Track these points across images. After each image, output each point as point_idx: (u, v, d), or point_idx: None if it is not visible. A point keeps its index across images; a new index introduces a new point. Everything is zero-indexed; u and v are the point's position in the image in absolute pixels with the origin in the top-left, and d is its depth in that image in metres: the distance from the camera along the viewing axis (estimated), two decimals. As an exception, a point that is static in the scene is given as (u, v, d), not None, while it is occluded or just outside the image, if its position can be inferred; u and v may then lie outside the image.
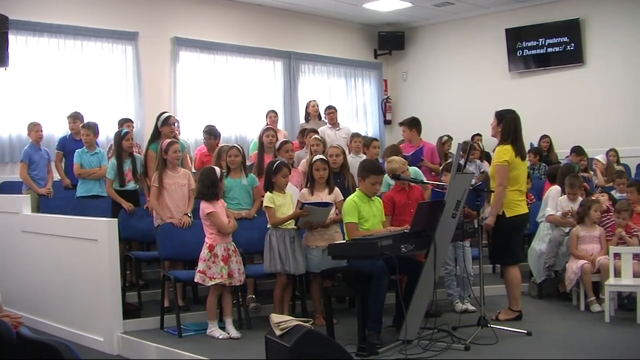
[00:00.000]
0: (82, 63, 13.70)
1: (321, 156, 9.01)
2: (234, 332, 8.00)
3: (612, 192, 11.11)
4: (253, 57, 16.41)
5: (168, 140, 9.20)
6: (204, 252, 7.98)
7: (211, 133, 11.97)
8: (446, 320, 8.19)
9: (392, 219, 8.54)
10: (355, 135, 12.16)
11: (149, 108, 13.90)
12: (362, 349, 7.25)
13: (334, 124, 13.63)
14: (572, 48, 16.48)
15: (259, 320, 8.49)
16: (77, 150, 10.71)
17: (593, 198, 9.81)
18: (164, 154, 9.05)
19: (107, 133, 13.25)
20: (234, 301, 8.37)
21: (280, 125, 14.55)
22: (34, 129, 11.40)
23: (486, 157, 13.73)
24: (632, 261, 8.81)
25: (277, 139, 10.62)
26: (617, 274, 8.82)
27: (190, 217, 9.00)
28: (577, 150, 14.05)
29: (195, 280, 8.05)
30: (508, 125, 8.55)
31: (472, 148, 9.17)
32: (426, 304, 7.60)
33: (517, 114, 8.64)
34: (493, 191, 8.38)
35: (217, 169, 8.35)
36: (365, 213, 8.09)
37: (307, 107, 14.81)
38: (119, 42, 14.20)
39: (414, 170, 9.91)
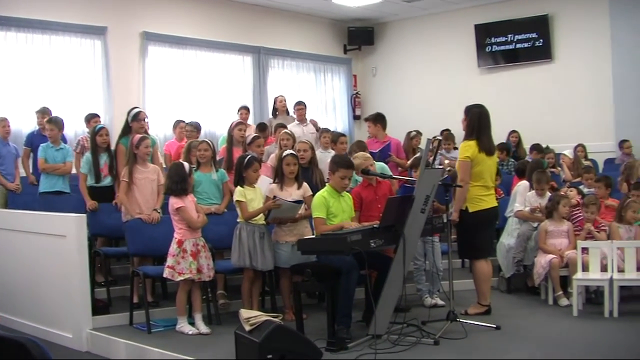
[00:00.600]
0: (50, 58, 13.60)
1: (292, 151, 9.04)
2: (203, 328, 7.97)
3: (580, 187, 11.19)
4: (222, 52, 16.38)
5: (139, 136, 9.19)
6: (173, 248, 7.96)
7: (195, 127, 12.00)
8: (415, 315, 8.22)
9: (360, 214, 8.54)
10: (325, 131, 12.18)
11: (117, 103, 13.85)
12: (332, 344, 7.24)
13: (302, 120, 13.64)
14: (540, 44, 16.59)
15: (228, 316, 8.48)
16: (41, 145, 10.62)
17: (562, 193, 9.87)
18: (135, 148, 9.03)
19: (75, 129, 13.22)
20: (204, 297, 8.35)
21: (250, 121, 14.52)
22: (1, 124, 11.35)
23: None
24: (599, 255, 8.88)
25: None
26: (585, 268, 8.88)
27: (159, 212, 8.97)
28: (537, 148, 14.17)
29: (164, 275, 8.02)
30: (473, 120, 8.58)
31: (440, 144, 9.17)
32: (395, 298, 7.61)
33: (484, 109, 8.64)
34: (460, 186, 8.40)
35: (186, 164, 8.34)
36: (334, 209, 8.10)
37: (274, 102, 14.83)
38: (88, 36, 14.10)
39: (380, 166, 9.92)
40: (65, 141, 11.28)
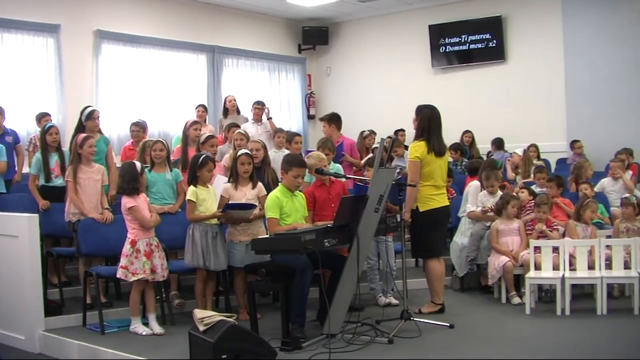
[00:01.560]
0: (2, 56, 13.42)
1: (246, 150, 9.03)
2: (157, 328, 7.94)
3: (533, 187, 11.28)
4: (176, 51, 16.27)
5: (83, 135, 9.13)
6: (126, 248, 7.90)
7: (141, 126, 11.93)
8: (369, 314, 8.27)
9: (313, 214, 8.57)
10: (279, 131, 12.18)
11: (70, 102, 13.71)
12: (286, 344, 7.25)
13: (258, 119, 13.62)
14: (494, 45, 16.73)
15: (182, 316, 8.46)
16: None
17: (513, 193, 9.94)
18: (79, 148, 8.96)
19: (27, 128, 13.07)
20: (157, 297, 8.31)
21: (206, 120, 14.47)
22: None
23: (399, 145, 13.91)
24: (551, 254, 8.97)
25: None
26: (538, 267, 8.97)
27: (111, 211, 8.92)
28: (497, 143, 14.32)
29: (118, 276, 7.97)
30: (422, 121, 8.64)
31: (395, 143, 9.22)
32: (349, 298, 7.63)
33: (435, 111, 8.69)
34: (414, 185, 8.44)
35: (138, 163, 8.28)
36: (287, 208, 8.11)
37: (224, 102, 14.80)
38: (40, 34, 13.93)
39: (336, 167, 9.94)
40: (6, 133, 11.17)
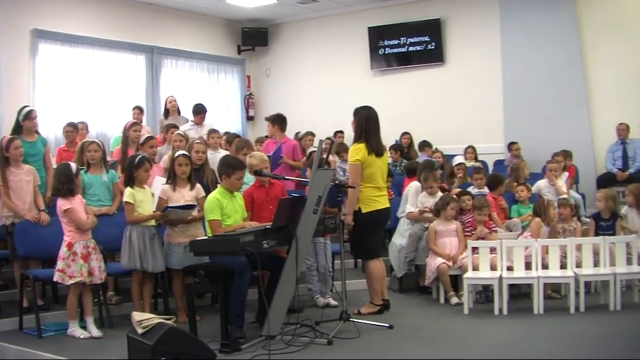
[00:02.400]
0: None
1: (183, 151, 8.99)
2: (95, 332, 7.88)
3: (470, 189, 11.38)
4: (115, 51, 16.09)
5: (7, 137, 9.00)
6: (63, 251, 7.82)
7: (74, 127, 11.81)
8: (309, 316, 8.30)
9: (252, 215, 8.55)
10: (213, 131, 12.11)
11: (6, 102, 13.50)
12: (225, 345, 7.25)
13: (200, 123, 13.48)
14: (432, 47, 16.84)
15: (121, 319, 8.37)
16: None
17: (453, 195, 10.00)
18: (4, 151, 8.81)
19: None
20: (95, 300, 8.24)
21: (143, 121, 14.35)
22: None
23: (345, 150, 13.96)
24: (489, 255, 9.06)
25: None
26: (475, 267, 9.06)
27: (48, 213, 8.81)
28: (426, 144, 14.48)
29: (55, 279, 7.87)
30: (360, 122, 8.69)
31: (333, 144, 9.25)
32: (288, 299, 7.64)
33: (372, 111, 8.76)
34: (353, 187, 8.48)
35: (73, 165, 8.18)
36: (227, 209, 8.09)
37: (165, 103, 14.71)
38: (-26, 34, 13.74)
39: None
40: None
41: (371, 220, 8.62)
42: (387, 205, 8.90)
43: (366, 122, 8.63)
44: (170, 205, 8.47)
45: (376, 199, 8.64)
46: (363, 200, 8.56)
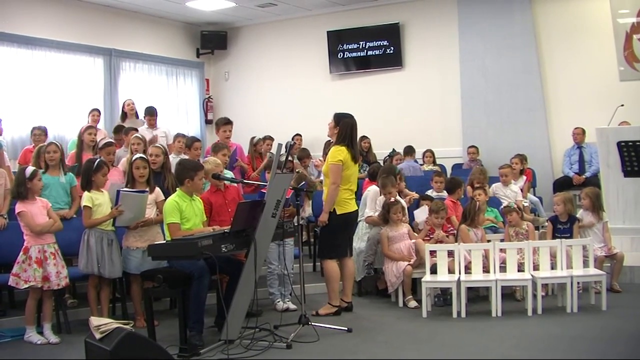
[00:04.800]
0: None
1: (141, 155, 8.96)
2: (52, 337, 7.83)
3: (429, 192, 11.45)
4: (72, 54, 15.93)
5: None
6: (20, 255, 7.77)
7: (43, 130, 11.75)
8: (268, 320, 8.29)
9: (210, 219, 8.55)
10: (179, 135, 12.11)
11: (-38, 105, 13.38)
12: (184, 350, 7.24)
13: (152, 125, 13.44)
14: (391, 52, 16.89)
15: (78, 324, 8.32)
16: None
17: (393, 200, 9.99)
18: None
19: None
20: (53, 305, 8.17)
21: (100, 124, 14.26)
22: None
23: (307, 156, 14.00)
24: (447, 258, 9.10)
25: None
26: (433, 270, 9.10)
27: (5, 218, 8.74)
28: (408, 150, 14.54)
29: (9, 283, 7.80)
30: (345, 128, 8.91)
31: (292, 147, 9.29)
32: (247, 303, 7.65)
33: (355, 120, 9.01)
34: (312, 191, 8.56)
35: (30, 168, 8.11)
36: (186, 213, 8.07)
37: (123, 107, 14.64)
38: None
39: (227, 172, 9.97)
40: None
41: (343, 221, 8.86)
42: (356, 208, 9.18)
43: (351, 130, 8.92)
44: (122, 189, 8.43)
45: (349, 202, 8.92)
46: (338, 202, 8.80)
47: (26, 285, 7.72)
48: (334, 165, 8.77)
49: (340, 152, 8.78)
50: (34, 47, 15.10)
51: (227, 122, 12.09)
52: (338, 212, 8.80)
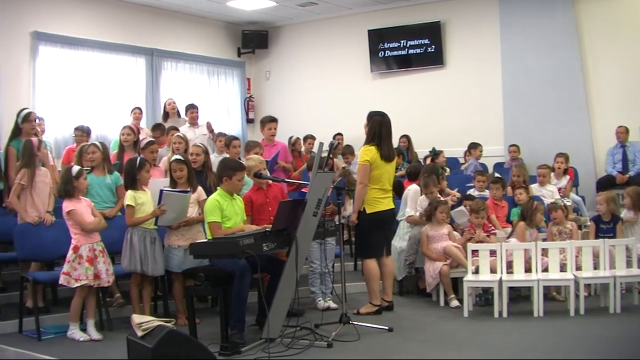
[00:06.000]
0: None
1: (177, 156, 8.97)
2: (95, 334, 7.88)
3: (471, 191, 11.39)
4: (115, 54, 16.07)
5: (37, 139, 9.07)
6: (69, 254, 7.83)
7: (84, 131, 11.84)
8: (309, 318, 8.29)
9: (252, 218, 8.56)
10: (220, 135, 12.16)
11: (6, 105, 13.47)
12: (225, 348, 7.26)
13: (194, 123, 13.55)
14: (432, 50, 16.82)
15: (121, 322, 8.39)
16: None
17: (442, 199, 9.98)
18: (37, 151, 8.86)
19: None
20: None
21: (142, 123, 14.35)
22: None
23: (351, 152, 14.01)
24: (489, 258, 9.05)
25: (137, 137, 10.61)
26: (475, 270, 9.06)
27: (53, 215, 8.82)
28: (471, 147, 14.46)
29: (60, 282, 7.87)
30: (373, 127, 8.88)
31: (334, 147, 9.28)
32: (288, 302, 7.65)
33: (386, 118, 8.94)
34: (352, 190, 8.57)
35: (75, 167, 8.18)
36: (227, 212, 8.08)
37: (164, 106, 14.71)
38: (-25, 35, 13.72)
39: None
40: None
41: (374, 220, 8.79)
42: (392, 206, 9.07)
43: (379, 127, 8.84)
44: (165, 189, 8.48)
45: (380, 201, 8.82)
46: (368, 201, 8.76)
47: (78, 284, 7.78)
48: (360, 166, 8.79)
49: (367, 152, 8.76)
50: (76, 48, 15.25)
51: (272, 119, 12.14)
52: (368, 211, 8.78)
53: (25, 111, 9.79)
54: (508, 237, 9.87)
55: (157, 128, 12.89)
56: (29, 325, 8.17)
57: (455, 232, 9.85)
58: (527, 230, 9.72)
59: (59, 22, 14.96)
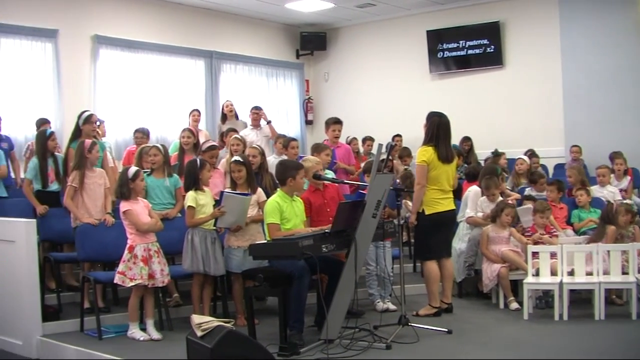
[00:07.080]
0: (0, 61, 13.39)
1: (236, 157, 9.02)
2: (154, 334, 7.94)
3: (529, 190, 11.28)
4: (174, 56, 16.23)
5: (90, 141, 9.18)
6: (125, 253, 7.91)
7: (144, 133, 11.96)
8: (367, 320, 8.26)
9: (310, 220, 8.59)
10: (280, 137, 12.21)
11: (68, 107, 13.64)
12: (284, 349, 7.26)
13: (257, 125, 13.61)
14: (491, 50, 16.70)
15: (180, 322, 8.45)
16: None
17: (509, 201, 9.90)
18: (87, 153, 8.96)
19: (25, 133, 13.05)
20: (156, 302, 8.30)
21: (201, 125, 14.44)
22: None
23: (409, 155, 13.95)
24: (549, 260, 8.97)
25: (196, 140, 10.68)
26: (536, 272, 8.97)
27: (113, 216, 8.92)
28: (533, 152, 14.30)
29: (115, 281, 7.96)
30: (431, 127, 8.86)
31: (392, 148, 9.26)
32: (347, 303, 7.64)
33: (444, 118, 8.91)
34: (412, 191, 8.55)
35: (133, 168, 8.26)
36: (287, 213, 8.11)
37: (222, 108, 14.77)
38: (39, 39, 13.87)
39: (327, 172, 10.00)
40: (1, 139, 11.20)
41: (433, 222, 8.75)
42: (451, 207, 9.03)
43: (437, 128, 8.82)
44: (226, 190, 8.52)
45: (440, 202, 8.78)
46: (426, 202, 8.74)
47: (132, 283, 7.86)
48: (418, 166, 8.80)
49: (424, 153, 8.74)
50: (136, 50, 15.43)
51: (337, 121, 12.18)
52: (427, 213, 8.75)
53: (87, 113, 9.91)
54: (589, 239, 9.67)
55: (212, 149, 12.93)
56: (90, 324, 8.24)
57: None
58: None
59: (119, 26, 15.14)
